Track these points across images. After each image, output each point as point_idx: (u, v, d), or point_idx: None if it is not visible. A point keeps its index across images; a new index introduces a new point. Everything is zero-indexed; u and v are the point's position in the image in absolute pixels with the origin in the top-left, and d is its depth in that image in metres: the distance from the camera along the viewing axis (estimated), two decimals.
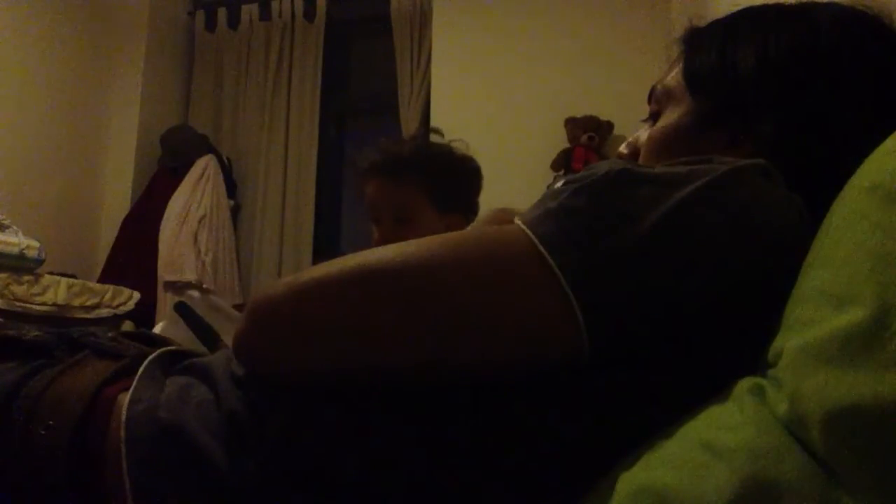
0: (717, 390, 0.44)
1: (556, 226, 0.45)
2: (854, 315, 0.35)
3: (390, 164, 1.24)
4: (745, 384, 0.42)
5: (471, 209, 1.33)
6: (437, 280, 0.46)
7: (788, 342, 0.40)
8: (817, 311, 0.39)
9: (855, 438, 0.32)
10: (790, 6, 0.62)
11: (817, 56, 0.57)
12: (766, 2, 0.65)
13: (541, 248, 0.44)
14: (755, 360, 0.44)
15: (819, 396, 0.34)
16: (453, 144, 1.32)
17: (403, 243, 0.48)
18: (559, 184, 0.50)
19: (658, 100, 0.67)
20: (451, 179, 1.27)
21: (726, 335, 0.46)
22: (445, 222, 1.26)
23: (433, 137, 1.35)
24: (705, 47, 0.63)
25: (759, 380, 0.42)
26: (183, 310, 0.80)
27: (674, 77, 0.66)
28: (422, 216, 1.23)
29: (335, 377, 0.48)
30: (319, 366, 0.48)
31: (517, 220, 0.47)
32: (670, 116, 0.65)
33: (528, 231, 0.45)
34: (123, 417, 0.49)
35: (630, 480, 0.40)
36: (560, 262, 0.44)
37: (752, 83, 0.59)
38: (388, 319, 0.46)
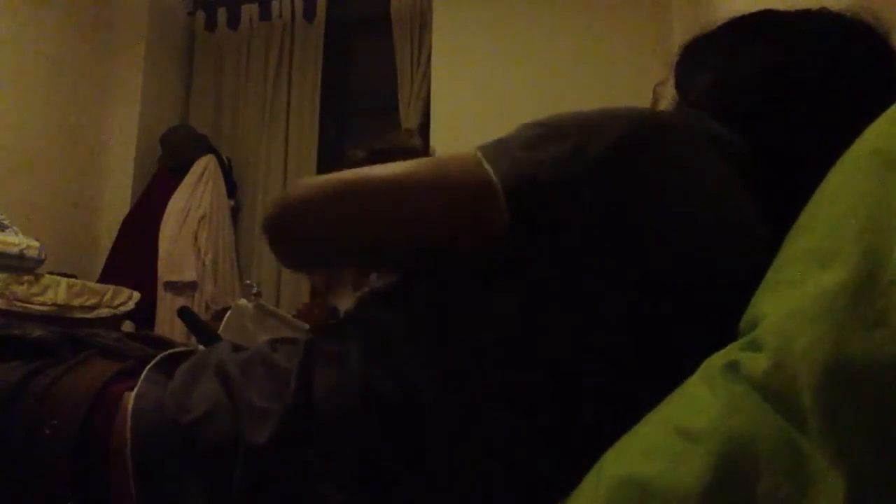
0: (691, 369, 0.45)
1: (499, 143, 0.55)
2: (841, 274, 0.35)
3: (388, 154, 1.26)
4: (716, 362, 0.42)
5: None
6: (388, 178, 0.56)
7: (771, 304, 0.40)
8: (804, 272, 0.39)
9: (842, 394, 0.33)
10: (782, 12, 0.65)
11: (794, 60, 0.60)
12: (762, 6, 0.66)
13: (478, 153, 0.54)
14: (723, 333, 0.45)
15: (808, 354, 0.35)
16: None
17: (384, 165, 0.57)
18: None
19: (656, 98, 0.72)
20: None
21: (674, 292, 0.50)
22: None
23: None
24: (695, 51, 0.68)
25: (729, 355, 0.42)
26: (185, 315, 0.81)
27: (668, 79, 0.70)
28: None
29: (332, 251, 0.59)
30: (322, 235, 0.57)
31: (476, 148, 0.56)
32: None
33: (476, 149, 0.55)
34: (129, 410, 0.49)
35: (612, 472, 0.40)
36: (491, 162, 0.53)
37: (731, 80, 0.63)
38: (356, 210, 0.55)
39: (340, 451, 0.47)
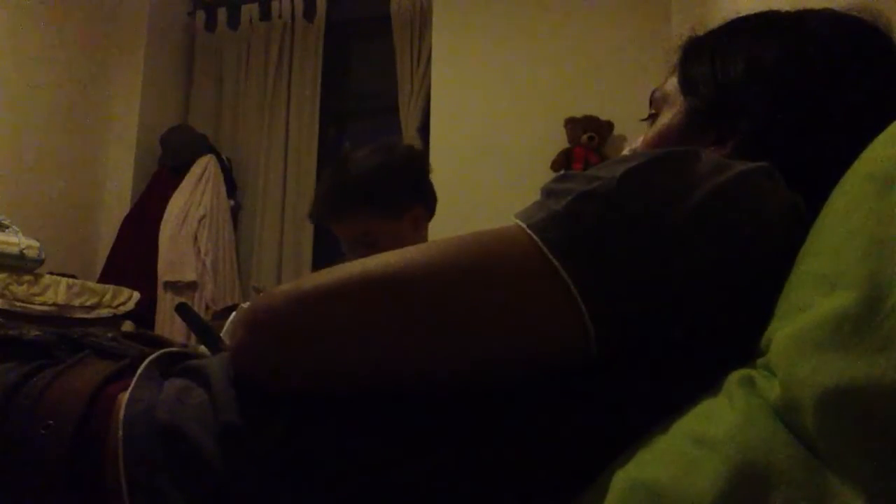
0: (712, 384, 0.44)
1: (563, 232, 0.45)
2: (845, 299, 0.35)
3: (333, 208, 1.28)
4: (735, 376, 0.42)
5: (425, 194, 1.34)
6: (440, 284, 0.45)
7: (780, 329, 0.40)
8: (810, 297, 0.39)
9: (847, 420, 0.33)
10: (784, 13, 0.64)
11: (802, 60, 0.59)
12: (762, 7, 0.66)
13: (548, 253, 0.44)
14: (749, 353, 0.45)
15: (812, 380, 0.35)
16: (380, 142, 1.35)
17: (405, 249, 0.48)
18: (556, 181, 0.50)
19: (656, 104, 0.70)
20: (392, 186, 1.28)
21: (728, 337, 0.47)
22: (408, 220, 1.29)
23: (359, 152, 1.33)
24: (700, 53, 0.65)
25: (749, 371, 0.42)
26: (183, 310, 0.80)
27: (671, 82, 0.68)
28: (384, 232, 1.25)
29: (339, 384, 0.48)
30: (323, 372, 0.47)
31: (519, 222, 0.47)
32: (665, 117, 0.67)
33: (535, 236, 0.45)
34: (121, 417, 0.49)
35: (624, 477, 0.40)
36: (568, 267, 0.44)
37: (737, 84, 0.60)
38: (391, 324, 0.45)
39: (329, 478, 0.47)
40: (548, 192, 0.49)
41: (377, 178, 1.27)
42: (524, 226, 0.46)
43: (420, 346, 0.45)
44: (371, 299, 0.46)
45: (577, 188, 0.47)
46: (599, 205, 0.45)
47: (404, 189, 1.29)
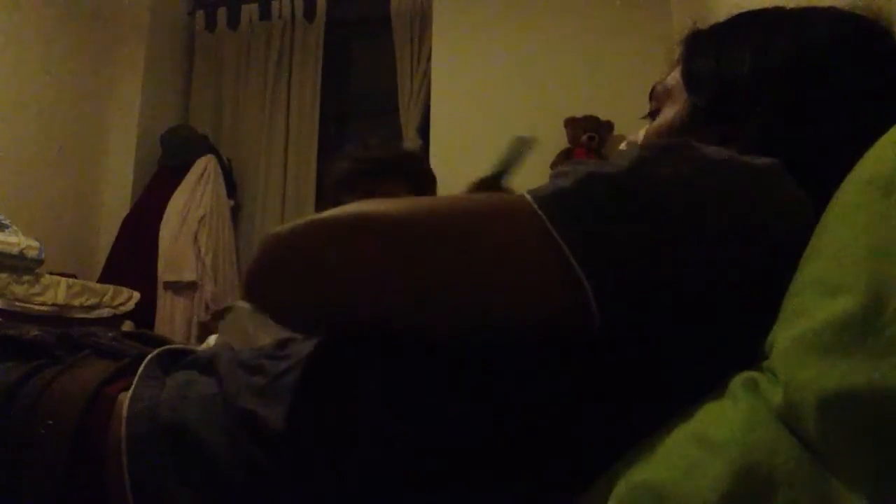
0: (716, 385, 0.44)
1: (566, 205, 0.45)
2: (847, 303, 0.35)
3: (378, 168, 1.28)
4: (739, 379, 0.42)
5: (428, 190, 1.38)
6: (438, 231, 0.46)
7: (783, 332, 0.40)
8: (812, 301, 0.39)
9: (849, 425, 0.33)
10: (789, 10, 0.64)
11: (809, 60, 0.58)
12: (765, 4, 0.65)
13: (547, 223, 0.44)
14: (753, 356, 0.44)
15: (814, 384, 0.35)
16: (383, 141, 1.39)
17: (408, 198, 0.49)
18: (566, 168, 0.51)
19: (658, 98, 0.69)
20: (423, 178, 1.33)
21: (728, 328, 0.47)
22: None
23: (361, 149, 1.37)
24: (704, 48, 0.65)
25: (753, 373, 0.42)
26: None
27: (673, 77, 0.67)
28: None
29: (339, 317, 0.49)
30: (323, 304, 0.49)
31: (525, 194, 0.47)
32: (667, 112, 0.66)
33: (538, 208, 0.45)
34: (124, 415, 0.49)
35: (628, 478, 0.40)
36: (566, 239, 0.44)
37: (744, 83, 0.60)
38: (387, 262, 0.46)
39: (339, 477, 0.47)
40: (557, 174, 0.49)
41: (423, 165, 1.34)
42: (529, 197, 0.47)
43: (418, 292, 0.46)
44: (371, 238, 0.46)
45: (587, 169, 0.47)
46: (606, 185, 0.46)
47: (408, 185, 1.31)
